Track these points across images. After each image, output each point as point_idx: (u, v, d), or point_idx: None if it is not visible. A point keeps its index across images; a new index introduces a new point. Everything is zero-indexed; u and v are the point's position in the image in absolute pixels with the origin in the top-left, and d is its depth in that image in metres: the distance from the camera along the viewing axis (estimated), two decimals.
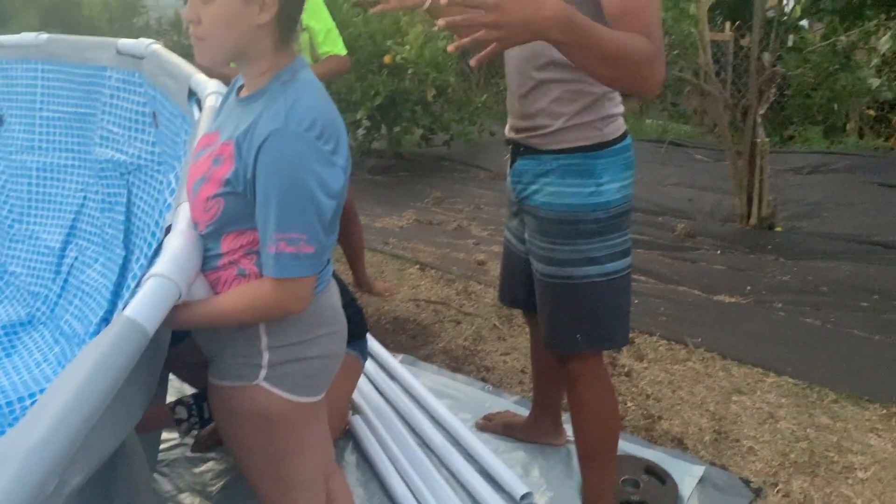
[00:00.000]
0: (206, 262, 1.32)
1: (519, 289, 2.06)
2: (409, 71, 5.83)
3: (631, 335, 3.25)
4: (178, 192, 1.56)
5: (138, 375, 1.19)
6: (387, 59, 5.88)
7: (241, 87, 1.36)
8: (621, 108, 1.77)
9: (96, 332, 2.91)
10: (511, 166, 1.89)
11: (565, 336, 1.85)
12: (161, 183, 2.83)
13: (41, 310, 3.47)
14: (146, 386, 1.34)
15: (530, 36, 1.30)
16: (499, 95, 7.90)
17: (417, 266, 4.14)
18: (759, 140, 4.27)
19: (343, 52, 3.29)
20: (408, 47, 5.85)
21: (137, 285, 1.34)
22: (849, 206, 4.81)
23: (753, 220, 4.48)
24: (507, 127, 1.89)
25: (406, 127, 6.28)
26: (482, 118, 6.69)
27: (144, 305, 1.16)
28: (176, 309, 1.21)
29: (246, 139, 1.21)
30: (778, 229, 4.48)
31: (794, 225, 4.54)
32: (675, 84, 4.53)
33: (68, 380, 1.01)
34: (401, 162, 6.57)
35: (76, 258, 3.47)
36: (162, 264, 1.26)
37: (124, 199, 3.12)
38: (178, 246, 1.30)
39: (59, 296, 3.44)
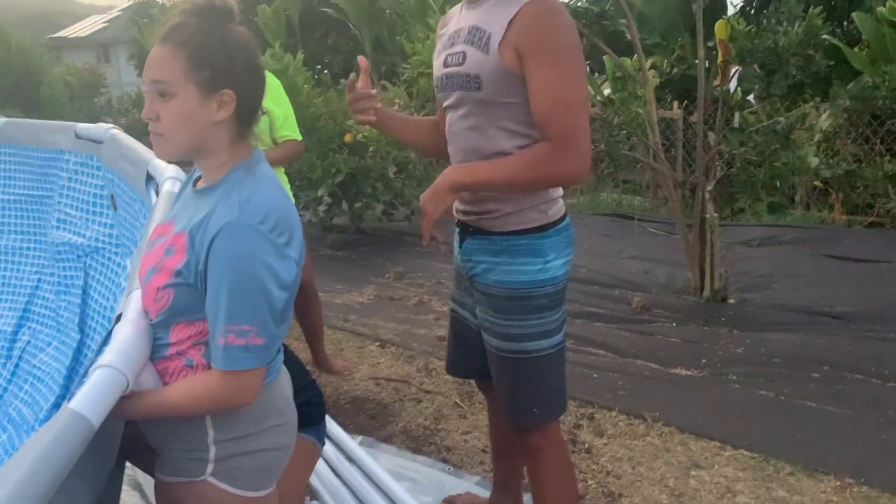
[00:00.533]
0: (155, 352, 1.31)
1: (472, 360, 2.10)
2: (371, 149, 5.95)
3: (591, 410, 3.29)
4: (131, 279, 1.56)
5: (84, 469, 1.17)
6: (348, 137, 6.00)
7: (198, 178, 1.39)
8: (560, 192, 1.89)
9: (47, 419, 2.83)
10: (460, 245, 1.95)
11: (525, 409, 1.92)
12: (119, 266, 2.82)
13: None
14: (93, 479, 1.31)
15: (446, 199, 1.73)
16: None
17: (377, 343, 4.14)
18: (708, 216, 4.42)
19: (299, 137, 3.38)
20: (369, 127, 5.98)
21: (84, 375, 1.33)
22: (797, 277, 4.97)
23: (706, 293, 4.60)
24: (455, 208, 1.95)
25: (367, 202, 6.36)
26: None
27: (90, 397, 1.15)
28: (123, 399, 1.20)
29: (199, 231, 1.23)
30: (731, 301, 4.59)
31: (746, 297, 4.66)
32: (626, 162, 4.69)
33: (9, 474, 1.00)
34: (362, 237, 6.62)
35: (28, 342, 3.40)
36: (110, 354, 1.25)
37: (81, 282, 3.09)
38: (126, 335, 1.29)
39: (9, 381, 3.35)
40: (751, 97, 5.31)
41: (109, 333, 1.38)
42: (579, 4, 4.51)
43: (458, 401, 3.40)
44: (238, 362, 1.21)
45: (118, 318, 1.40)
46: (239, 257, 1.19)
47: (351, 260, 5.99)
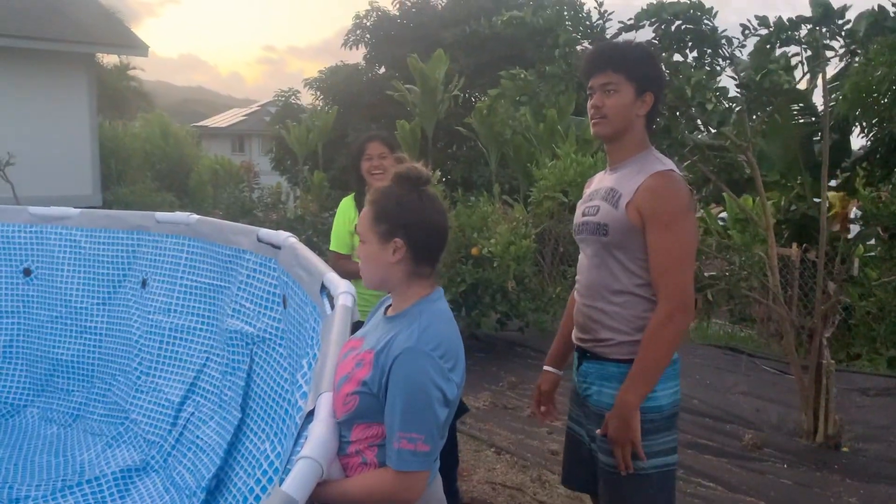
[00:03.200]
0: (339, 448, 1.63)
1: (585, 475, 2.32)
2: (495, 263, 6.36)
3: None
4: (317, 381, 1.85)
5: None
6: (475, 251, 6.45)
7: (388, 306, 1.76)
8: None
9: (207, 488, 3.22)
10: (577, 367, 2.29)
11: None
12: (281, 356, 3.23)
13: (155, 458, 3.81)
14: None
15: (635, 423, 2.03)
16: (571, 287, 8.36)
17: (493, 449, 4.39)
18: (824, 361, 4.50)
19: None
20: (494, 241, 6.42)
21: (288, 463, 1.64)
22: None
23: (819, 438, 4.61)
24: (574, 333, 2.30)
25: (483, 311, 6.73)
26: (555, 307, 7.10)
27: (298, 482, 1.43)
28: (318, 485, 1.50)
29: (384, 351, 1.57)
30: (844, 449, 4.58)
31: (861, 447, 4.64)
32: (743, 299, 4.86)
33: None
34: (476, 343, 6.96)
35: (192, 413, 3.84)
36: (310, 447, 1.54)
37: (246, 367, 3.51)
38: (322, 432, 1.59)
39: (174, 447, 3.78)
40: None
41: (303, 427, 1.70)
42: (699, 137, 4.81)
43: None
44: (409, 464, 1.50)
45: (309, 415, 1.70)
46: (414, 376, 1.51)
47: (467, 366, 6.31)
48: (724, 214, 8.82)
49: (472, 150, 14.28)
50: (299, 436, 1.72)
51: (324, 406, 1.67)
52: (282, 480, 1.47)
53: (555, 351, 2.51)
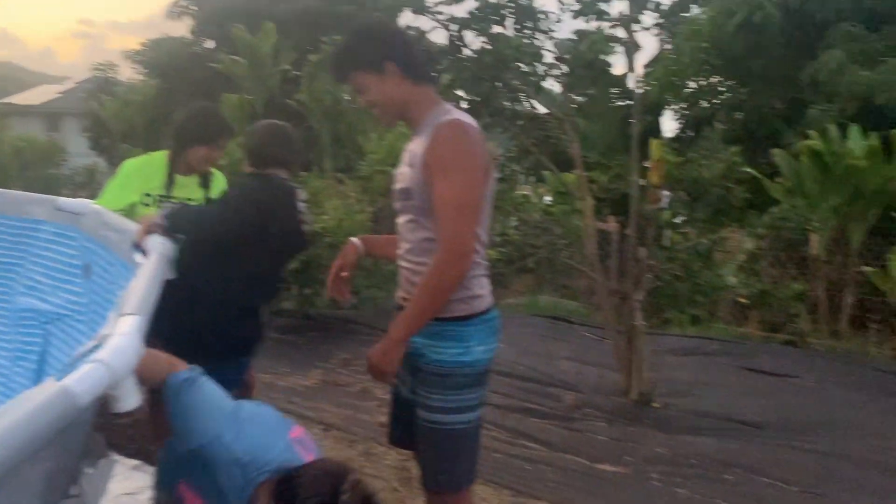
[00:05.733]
0: None
1: (407, 431, 2.29)
2: (327, 240, 6.22)
3: (523, 500, 3.49)
4: (120, 306, 1.75)
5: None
6: None
7: None
8: (485, 290, 2.16)
9: None
10: None
11: (437, 474, 2.16)
12: (81, 333, 2.95)
13: None
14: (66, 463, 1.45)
15: (395, 356, 2.03)
16: None
17: (321, 426, 4.28)
18: (636, 323, 4.79)
19: None
20: (327, 217, 6.27)
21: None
22: (717, 386, 5.34)
23: (633, 396, 4.91)
24: (398, 294, 2.26)
25: (317, 290, 6.57)
26: (390, 284, 7.06)
27: (80, 380, 1.31)
28: None
29: None
30: (655, 405, 4.91)
31: (670, 402, 4.99)
32: (565, 269, 5.08)
33: None
34: (310, 323, 6.79)
35: None
36: (102, 353, 1.42)
37: (38, 349, 3.18)
38: (119, 342, 1.47)
39: None
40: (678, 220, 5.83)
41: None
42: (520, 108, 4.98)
43: (397, 486, 3.56)
44: None
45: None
46: None
47: (298, 344, 6.13)
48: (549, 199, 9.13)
49: (310, 130, 13.96)
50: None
51: (127, 324, 1.54)
52: None
53: (376, 243, 2.49)
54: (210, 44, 17.25)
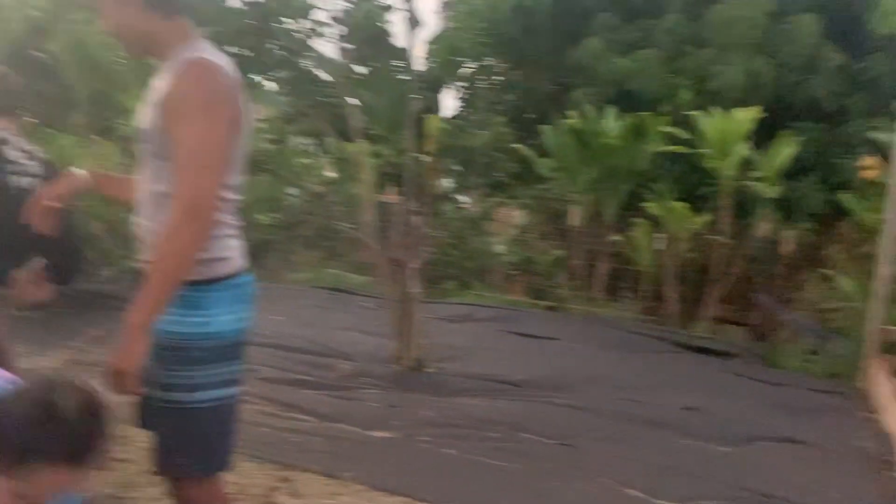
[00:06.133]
0: None
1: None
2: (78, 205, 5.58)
3: (288, 473, 3.36)
4: None
5: None
6: None
7: None
8: (233, 253, 1.91)
9: None
10: None
11: (175, 460, 1.89)
12: None
13: None
14: None
15: (140, 348, 1.70)
16: None
17: None
18: (411, 291, 4.83)
19: None
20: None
21: None
22: (487, 350, 5.58)
23: (408, 362, 4.96)
24: (139, 258, 1.95)
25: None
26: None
27: None
28: None
29: None
30: (429, 370, 5.00)
31: (442, 367, 5.11)
32: (347, 240, 4.99)
33: None
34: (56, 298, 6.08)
35: None
36: None
37: None
38: None
39: None
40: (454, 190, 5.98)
41: None
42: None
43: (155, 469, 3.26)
44: None
45: None
46: None
47: (40, 321, 5.45)
48: None
49: (65, 88, 12.48)
50: None
51: None
52: None
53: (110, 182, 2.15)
54: None
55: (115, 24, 1.83)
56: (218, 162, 1.76)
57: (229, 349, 1.90)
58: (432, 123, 4.75)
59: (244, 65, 4.09)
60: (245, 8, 3.84)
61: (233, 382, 1.93)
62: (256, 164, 4.67)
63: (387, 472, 3.45)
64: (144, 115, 1.86)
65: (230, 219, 1.90)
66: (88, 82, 9.58)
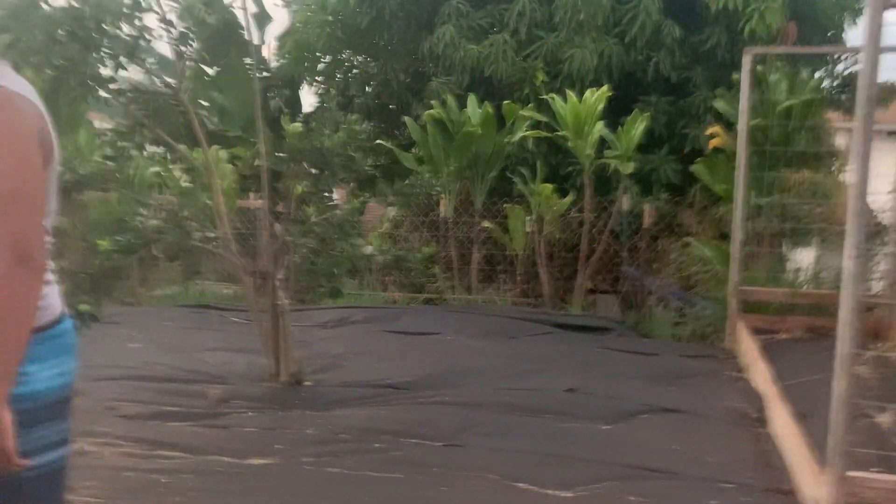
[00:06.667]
0: None
1: None
2: None
3: None
4: None
5: None
6: None
7: None
8: (48, 300, 1.68)
9: None
10: None
11: None
12: None
13: None
14: None
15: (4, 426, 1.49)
16: None
17: None
18: (279, 303, 4.59)
19: None
20: None
21: None
22: (366, 354, 5.42)
23: (283, 378, 4.72)
24: None
25: None
26: None
27: None
28: None
29: None
30: (306, 384, 4.78)
31: (321, 378, 4.91)
32: (206, 253, 4.67)
33: None
34: None
35: None
36: None
37: None
38: None
39: None
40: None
41: None
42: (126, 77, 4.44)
43: None
44: None
45: None
46: None
47: None
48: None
49: None
50: None
51: None
52: None
53: None
54: None
55: None
56: (39, 199, 1.54)
57: (54, 407, 1.67)
58: (289, 126, 4.51)
59: (64, 78, 3.71)
60: (57, 14, 3.46)
61: (61, 444, 1.70)
62: (92, 184, 4.27)
63: (266, 501, 3.23)
64: None
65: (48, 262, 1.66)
66: None
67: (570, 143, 7.47)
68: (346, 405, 4.44)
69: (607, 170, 7.65)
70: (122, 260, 3.84)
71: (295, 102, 10.95)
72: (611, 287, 8.08)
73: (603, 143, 7.52)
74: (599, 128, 7.27)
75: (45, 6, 3.66)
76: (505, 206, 7.68)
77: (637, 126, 7.36)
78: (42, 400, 1.63)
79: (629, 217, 7.74)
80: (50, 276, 1.69)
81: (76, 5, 3.69)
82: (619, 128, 7.51)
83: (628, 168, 7.34)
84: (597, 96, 7.27)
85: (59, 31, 3.49)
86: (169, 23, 4.17)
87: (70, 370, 1.72)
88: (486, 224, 7.59)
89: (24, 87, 1.61)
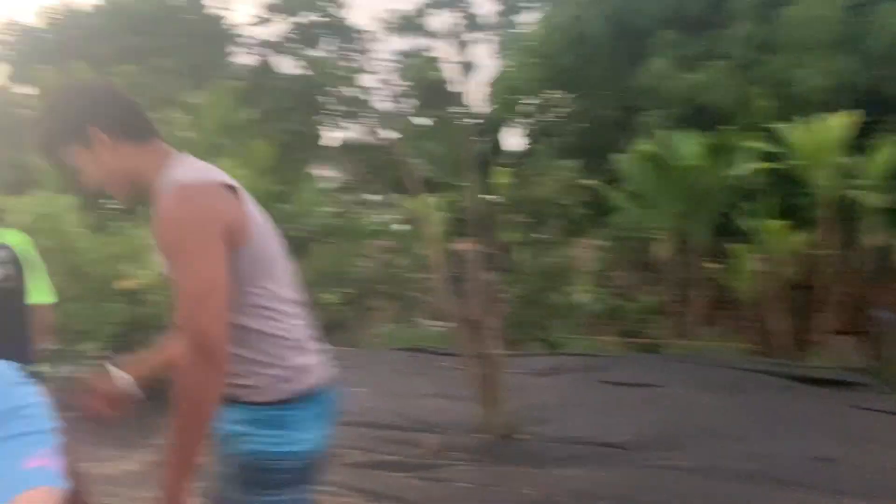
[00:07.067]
0: None
1: None
2: (148, 297, 5.54)
3: None
4: None
5: None
6: (125, 284, 5.55)
7: None
8: (310, 368, 1.70)
9: None
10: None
11: None
12: None
13: None
14: None
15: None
16: None
17: None
18: (492, 352, 4.50)
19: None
20: (147, 271, 5.59)
21: None
22: (582, 406, 5.16)
23: (497, 430, 4.60)
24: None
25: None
26: None
27: None
28: None
29: None
30: (521, 437, 4.62)
31: (535, 431, 4.72)
32: (411, 300, 4.73)
33: None
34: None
35: None
36: None
37: None
38: None
39: None
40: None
41: None
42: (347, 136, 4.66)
43: None
44: None
45: None
46: None
47: (121, 420, 5.39)
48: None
49: None
50: None
51: None
52: None
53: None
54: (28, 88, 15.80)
55: (94, 173, 1.66)
56: (219, 294, 1.56)
57: (304, 472, 1.69)
58: (498, 175, 4.48)
59: (297, 144, 3.93)
60: (288, 85, 3.68)
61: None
62: (316, 240, 4.49)
63: None
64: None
65: (298, 331, 1.69)
66: None
67: (804, 175, 6.75)
68: (562, 464, 4.21)
69: (846, 201, 6.81)
70: (345, 312, 3.96)
71: (497, 146, 11.09)
72: (854, 332, 7.13)
73: (844, 174, 6.71)
74: (840, 156, 6.50)
75: (278, 80, 3.92)
76: (729, 244, 7.08)
77: (885, 152, 6.48)
78: (297, 461, 1.65)
79: (878, 254, 6.80)
80: (304, 345, 1.71)
81: (304, 73, 3.91)
82: (862, 153, 6.66)
83: (876, 200, 6.47)
84: (838, 122, 6.49)
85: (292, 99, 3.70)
86: (387, 82, 4.30)
87: (319, 438, 1.71)
88: (708, 265, 7.04)
89: (206, 173, 1.64)
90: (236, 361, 1.64)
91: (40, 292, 2.94)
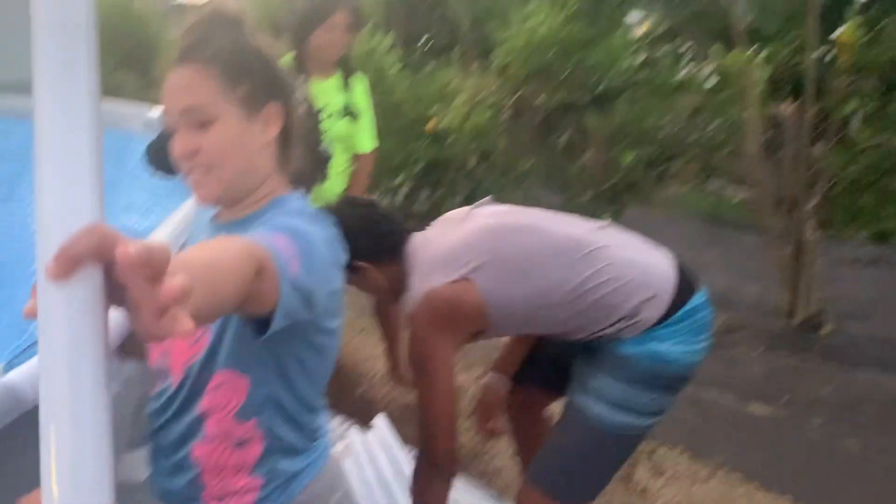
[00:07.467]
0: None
1: (538, 372, 2.05)
2: (450, 139, 5.79)
3: (652, 446, 3.05)
4: None
5: None
6: (428, 128, 5.85)
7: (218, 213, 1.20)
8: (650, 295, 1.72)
9: None
10: None
11: (551, 473, 1.79)
12: None
13: None
14: None
15: None
16: (551, 159, 7.72)
17: None
18: (807, 237, 4.03)
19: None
20: (452, 115, 5.81)
21: None
22: None
23: (799, 318, 4.21)
24: None
25: (446, 192, 6.20)
26: (528, 183, 6.53)
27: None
28: None
29: None
30: (825, 331, 4.19)
31: (844, 326, 4.24)
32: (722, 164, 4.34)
33: None
34: None
35: None
36: None
37: None
38: None
39: None
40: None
41: None
42: None
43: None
44: None
45: None
46: None
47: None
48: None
49: (445, 20, 13.09)
50: None
51: None
52: None
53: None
54: None
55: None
56: (450, 413, 1.71)
57: (674, 380, 1.76)
58: (846, 29, 3.76)
59: None
60: None
61: (655, 414, 1.76)
62: (620, 94, 4.24)
63: (766, 462, 2.93)
64: None
65: (631, 267, 1.76)
66: (470, 10, 9.88)
67: None
68: (873, 367, 3.77)
69: None
70: (642, 173, 3.76)
71: None
72: None
73: None
74: None
75: None
76: None
77: None
78: (667, 369, 1.71)
79: None
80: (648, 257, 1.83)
81: None
82: None
83: None
84: None
85: None
86: None
87: (700, 351, 1.76)
88: None
89: (446, 270, 1.71)
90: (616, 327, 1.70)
91: (364, 140, 3.07)
